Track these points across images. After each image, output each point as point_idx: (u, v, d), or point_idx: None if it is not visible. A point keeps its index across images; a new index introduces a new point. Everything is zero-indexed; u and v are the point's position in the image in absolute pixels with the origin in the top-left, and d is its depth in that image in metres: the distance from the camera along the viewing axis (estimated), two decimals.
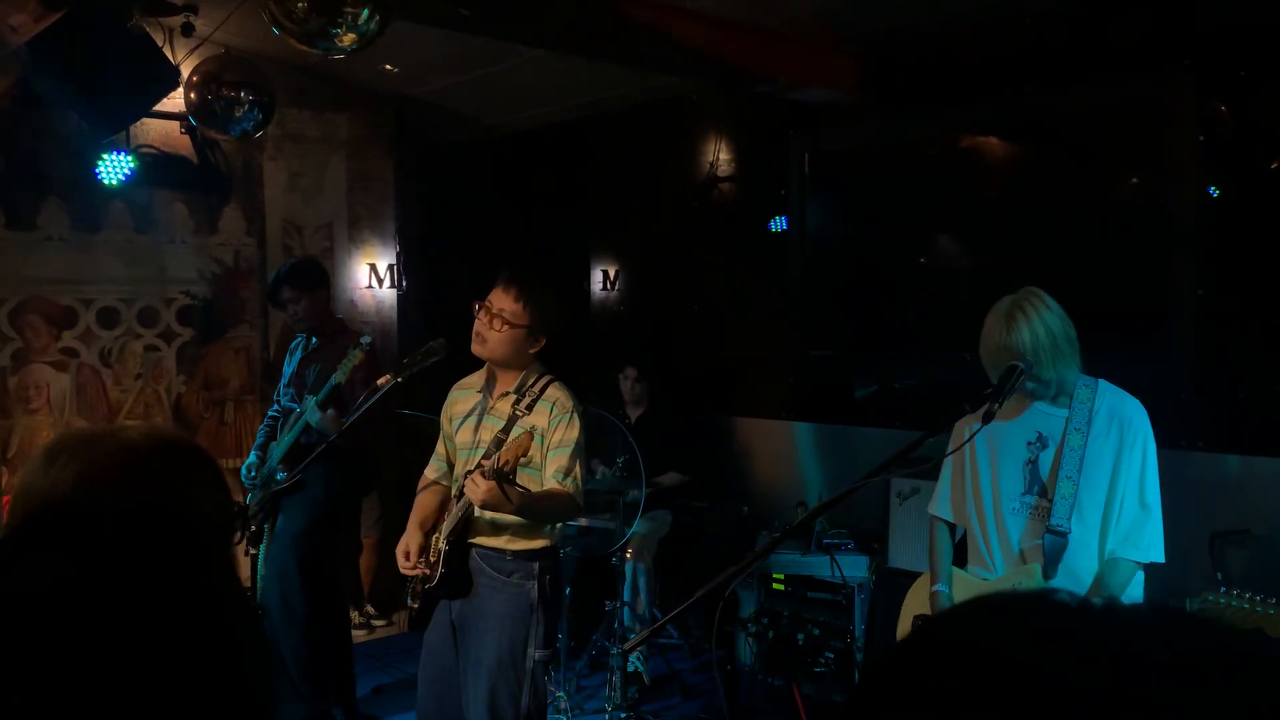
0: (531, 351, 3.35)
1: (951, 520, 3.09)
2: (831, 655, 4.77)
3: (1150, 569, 2.83)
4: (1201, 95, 4.30)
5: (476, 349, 3.33)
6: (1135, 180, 4.74)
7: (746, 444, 6.34)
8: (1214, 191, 4.38)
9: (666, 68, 5.06)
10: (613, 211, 7.37)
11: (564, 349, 5.51)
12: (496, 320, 3.27)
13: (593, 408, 5.45)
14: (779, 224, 6.13)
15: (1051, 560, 2.77)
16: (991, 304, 5.07)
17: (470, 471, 3.17)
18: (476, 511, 3.24)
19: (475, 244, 6.56)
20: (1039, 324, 2.74)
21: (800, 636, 4.86)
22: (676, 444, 5.82)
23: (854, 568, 4.81)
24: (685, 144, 6.67)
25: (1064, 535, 2.76)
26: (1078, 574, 2.80)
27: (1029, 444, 2.88)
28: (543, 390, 3.32)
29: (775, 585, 5.01)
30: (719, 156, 6.52)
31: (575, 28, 4.31)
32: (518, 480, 3.13)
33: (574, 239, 7.51)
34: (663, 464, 5.68)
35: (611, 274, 7.36)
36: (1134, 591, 2.81)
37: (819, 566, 4.88)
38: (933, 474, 4.51)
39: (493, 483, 3.01)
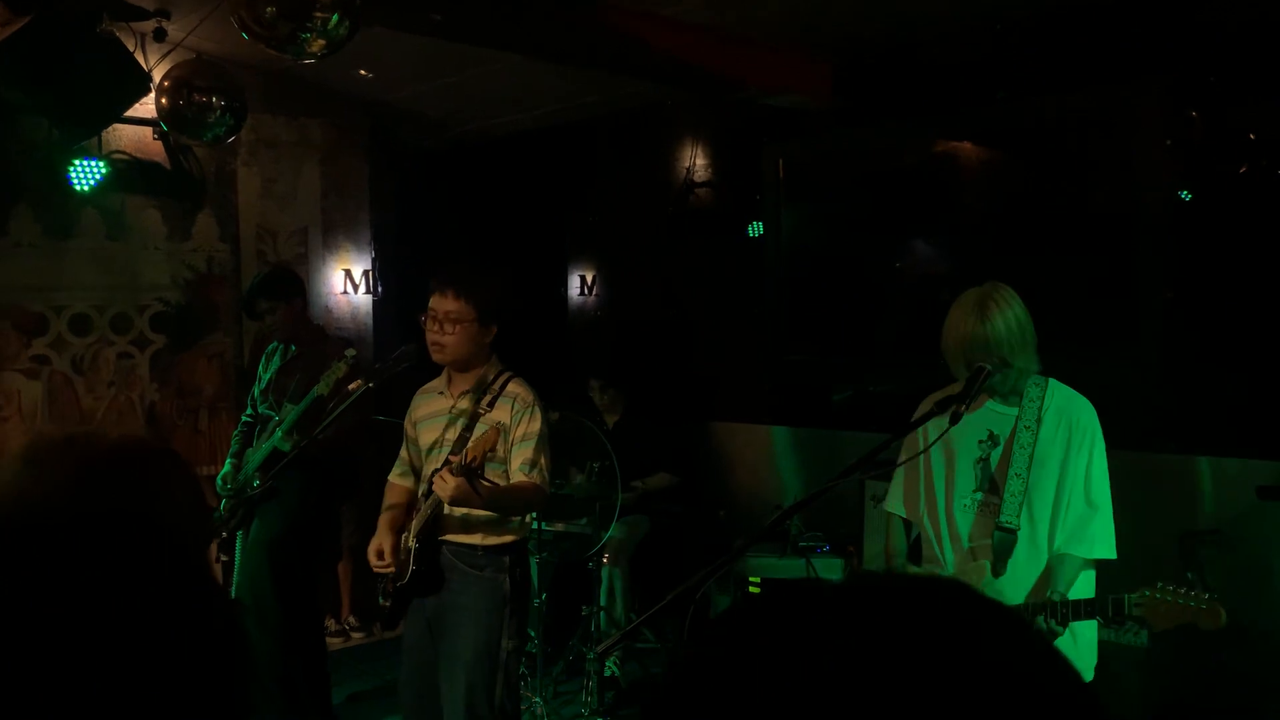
0: (486, 341, 3.36)
1: (905, 516, 3.11)
2: None
3: (1103, 564, 2.86)
4: (1172, 101, 4.34)
5: (437, 357, 3.36)
6: (1107, 185, 4.78)
7: (724, 448, 6.35)
8: (1185, 196, 4.43)
9: (641, 74, 5.06)
10: (590, 217, 7.37)
11: (541, 355, 5.52)
12: (446, 324, 3.28)
13: (569, 413, 5.47)
14: (756, 230, 6.16)
15: (1000, 557, 2.80)
16: None
17: (438, 469, 3.21)
18: (446, 508, 3.29)
19: (451, 250, 6.55)
20: (1010, 314, 2.77)
21: None
22: (655, 448, 5.82)
23: (829, 570, 4.83)
24: (662, 150, 6.69)
25: (1013, 532, 2.79)
26: (1023, 570, 2.82)
27: (980, 442, 2.90)
28: (503, 386, 3.36)
29: (752, 589, 5.02)
30: (695, 163, 6.54)
31: (548, 33, 4.31)
32: (485, 475, 3.19)
33: (551, 245, 7.52)
34: (644, 467, 5.68)
35: (589, 279, 7.37)
36: (1084, 587, 2.84)
37: (795, 569, 4.89)
38: None
39: (461, 479, 3.06)
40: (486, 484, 3.13)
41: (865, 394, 5.63)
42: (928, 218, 5.42)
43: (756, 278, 6.09)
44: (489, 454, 3.11)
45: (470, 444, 3.14)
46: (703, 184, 6.51)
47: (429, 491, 3.29)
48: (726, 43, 4.80)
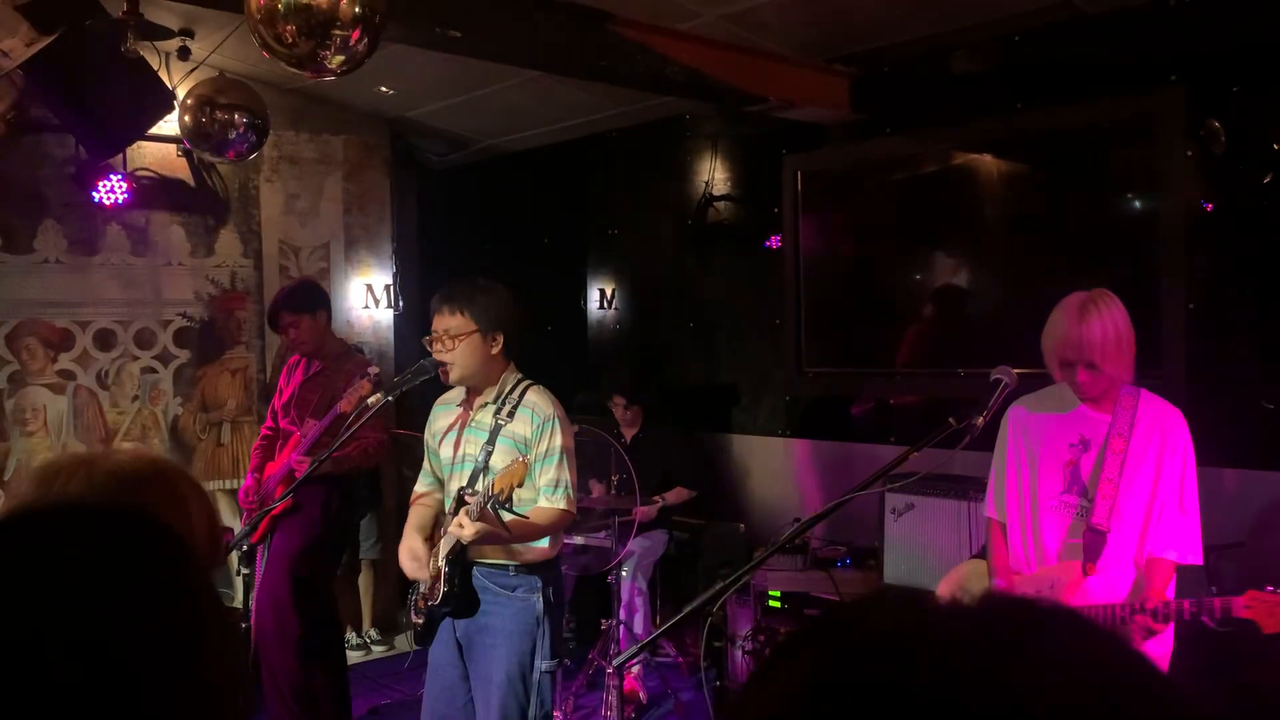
0: (494, 353, 3.26)
1: (997, 518, 3.14)
2: None
3: (1182, 570, 2.96)
4: (1194, 110, 4.32)
5: (449, 379, 3.28)
6: (1129, 195, 4.76)
7: (743, 462, 6.34)
8: (1207, 206, 4.40)
9: (658, 89, 5.08)
10: (609, 231, 7.40)
11: (561, 367, 5.51)
12: (447, 340, 3.22)
13: (588, 426, 5.48)
14: (776, 242, 6.16)
15: (1091, 557, 2.87)
16: (984, 320, 5.11)
17: (456, 511, 3.13)
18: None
19: (472, 264, 6.57)
20: (1109, 320, 2.82)
21: None
22: (673, 461, 5.83)
23: (851, 584, 4.80)
24: (681, 163, 6.71)
25: (1103, 534, 2.86)
26: (1113, 572, 2.90)
27: (1071, 445, 2.96)
28: (522, 396, 3.26)
29: (771, 602, 5.00)
30: (714, 176, 6.55)
31: (566, 50, 4.33)
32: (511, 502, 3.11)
33: (571, 258, 7.55)
34: (661, 482, 5.68)
35: (608, 293, 7.38)
36: (1169, 593, 2.93)
37: (816, 583, 4.87)
38: (920, 488, 4.54)
39: (479, 524, 2.99)
40: (514, 517, 3.03)
41: (884, 406, 5.62)
42: (947, 229, 5.40)
43: (776, 290, 6.08)
44: (519, 486, 3.01)
45: (497, 477, 3.04)
46: (722, 197, 6.52)
47: (456, 510, 3.19)
48: (742, 56, 4.80)
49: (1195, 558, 2.91)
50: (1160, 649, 2.87)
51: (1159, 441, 2.89)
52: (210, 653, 0.83)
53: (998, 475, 3.13)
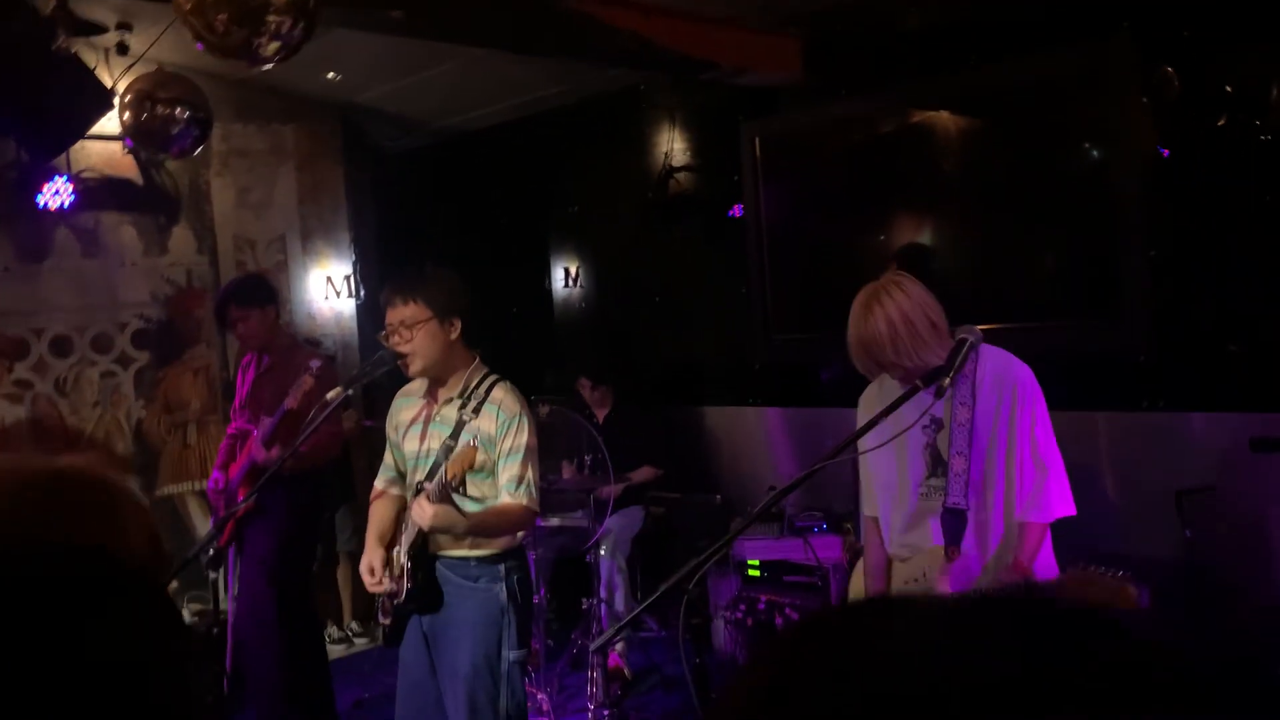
0: (454, 338, 3.21)
1: (874, 515, 3.03)
2: None
3: (1061, 524, 2.80)
4: (1145, 58, 4.31)
5: (411, 370, 3.23)
6: (1085, 145, 4.75)
7: (715, 433, 6.33)
8: (1164, 152, 4.39)
9: (606, 60, 5.02)
10: (571, 208, 7.34)
11: (528, 349, 5.46)
12: (404, 332, 3.16)
13: (559, 407, 5.44)
14: (739, 211, 6.12)
15: (953, 540, 2.70)
16: (954, 275, 5.10)
17: (417, 493, 3.11)
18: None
19: (432, 248, 6.50)
20: (895, 313, 2.70)
21: (778, 621, 4.85)
22: (647, 439, 5.80)
23: (828, 549, 4.81)
24: (639, 136, 6.65)
25: (961, 513, 2.70)
26: (983, 548, 2.78)
27: (925, 428, 2.83)
28: (488, 392, 3.21)
29: (751, 572, 5.00)
30: (673, 146, 6.50)
31: (509, 25, 4.26)
32: (471, 488, 3.10)
33: (533, 238, 7.48)
34: (634, 460, 5.65)
35: (573, 271, 7.33)
36: (1044, 553, 2.79)
37: (793, 550, 4.87)
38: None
39: (439, 506, 2.97)
40: (474, 508, 3.01)
41: (853, 371, 5.59)
42: (908, 188, 5.38)
43: (741, 259, 6.05)
44: (470, 471, 3.00)
45: (449, 462, 3.01)
46: (682, 168, 6.47)
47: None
48: (691, 23, 4.74)
49: (1065, 509, 2.76)
50: None
51: (1007, 400, 2.74)
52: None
53: (864, 470, 3.00)
